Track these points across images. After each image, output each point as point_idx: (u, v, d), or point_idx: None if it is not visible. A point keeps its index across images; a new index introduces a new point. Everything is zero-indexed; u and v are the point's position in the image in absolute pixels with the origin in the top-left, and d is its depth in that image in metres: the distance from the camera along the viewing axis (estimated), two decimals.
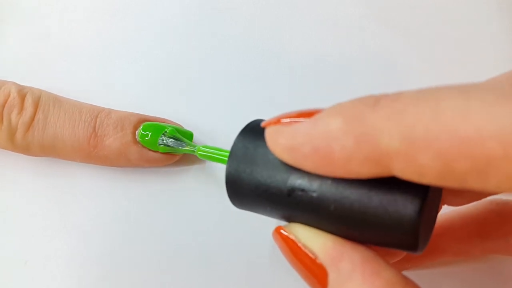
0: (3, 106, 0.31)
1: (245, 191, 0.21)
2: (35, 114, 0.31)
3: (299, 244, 0.20)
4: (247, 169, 0.21)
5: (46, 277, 0.32)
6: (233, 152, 0.22)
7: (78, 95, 0.34)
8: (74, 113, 0.32)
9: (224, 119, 0.35)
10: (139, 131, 0.32)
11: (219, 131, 0.34)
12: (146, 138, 0.31)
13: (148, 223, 0.32)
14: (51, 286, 0.31)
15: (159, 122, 0.32)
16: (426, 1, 0.38)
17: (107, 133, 0.31)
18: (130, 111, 0.33)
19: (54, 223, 0.32)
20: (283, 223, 0.22)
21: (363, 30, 0.37)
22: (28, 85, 0.33)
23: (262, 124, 0.20)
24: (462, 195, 0.23)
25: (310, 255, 0.20)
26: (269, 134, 0.20)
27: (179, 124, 0.33)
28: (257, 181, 0.21)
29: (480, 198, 0.24)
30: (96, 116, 0.32)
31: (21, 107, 0.31)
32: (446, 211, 0.27)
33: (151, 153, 0.32)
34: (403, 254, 0.25)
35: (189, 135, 0.33)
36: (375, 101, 0.17)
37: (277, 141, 0.19)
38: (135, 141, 0.32)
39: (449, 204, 0.24)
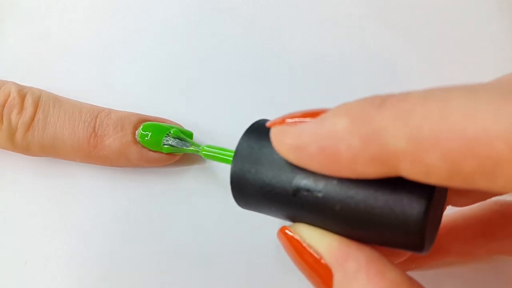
0: (3, 106, 0.31)
1: (250, 191, 0.21)
2: (35, 114, 0.31)
3: (304, 244, 0.20)
4: (252, 169, 0.21)
5: (46, 277, 0.31)
6: (238, 152, 0.22)
7: (78, 95, 0.34)
8: (74, 113, 0.32)
9: (224, 119, 0.35)
10: (139, 131, 0.32)
11: (219, 131, 0.34)
12: (146, 138, 0.31)
13: (148, 223, 0.32)
14: (51, 286, 0.31)
15: (159, 122, 0.32)
16: (426, 1, 0.38)
17: (107, 133, 0.31)
18: (130, 111, 0.33)
19: (54, 223, 0.32)
20: (287, 223, 0.22)
21: (363, 30, 0.37)
22: (28, 85, 0.33)
23: (267, 124, 0.20)
24: (467, 196, 0.23)
25: (315, 255, 0.20)
26: (274, 134, 0.20)
27: (179, 124, 0.33)
28: (262, 181, 0.21)
29: (485, 199, 0.24)
30: (96, 116, 0.32)
31: (21, 107, 0.31)
32: (450, 212, 0.27)
33: (151, 153, 0.32)
34: (407, 254, 0.25)
35: (189, 135, 0.33)
36: (381, 101, 0.17)
37: (282, 141, 0.19)
38: (135, 141, 0.32)
39: (454, 204, 0.24)
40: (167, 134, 0.31)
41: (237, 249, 0.32)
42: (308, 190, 0.20)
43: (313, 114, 0.19)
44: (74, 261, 0.32)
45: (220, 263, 0.31)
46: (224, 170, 0.33)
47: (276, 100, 0.35)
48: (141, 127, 0.32)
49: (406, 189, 0.18)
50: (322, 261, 0.20)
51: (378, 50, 0.37)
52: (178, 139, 0.31)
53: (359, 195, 0.19)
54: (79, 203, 0.33)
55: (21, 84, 0.32)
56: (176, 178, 0.33)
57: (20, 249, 0.32)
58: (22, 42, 0.37)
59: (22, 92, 0.32)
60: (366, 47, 0.37)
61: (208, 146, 0.29)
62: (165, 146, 0.31)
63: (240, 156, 0.21)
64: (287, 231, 0.21)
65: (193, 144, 0.31)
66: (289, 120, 0.19)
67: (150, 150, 0.32)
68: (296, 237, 0.21)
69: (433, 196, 0.18)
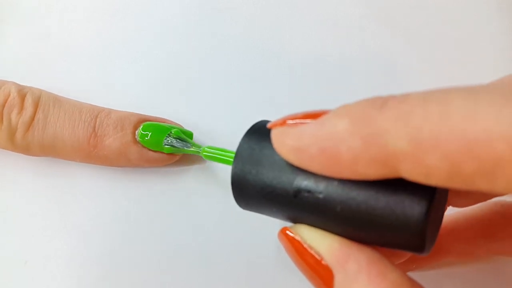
0: (3, 106, 0.31)
1: (250, 192, 0.21)
2: (35, 114, 0.31)
3: (305, 245, 0.20)
4: (253, 170, 0.21)
5: (46, 277, 0.32)
6: (238, 153, 0.22)
7: (78, 95, 0.34)
8: (74, 113, 0.32)
9: (224, 119, 0.35)
10: (139, 131, 0.32)
11: (219, 131, 0.34)
12: (146, 138, 0.31)
13: (148, 223, 0.32)
14: (51, 286, 0.31)
15: (159, 122, 0.32)
16: (426, 1, 0.38)
17: (107, 133, 0.31)
18: (130, 111, 0.33)
19: (54, 223, 0.32)
20: (288, 224, 0.22)
21: (363, 30, 0.37)
22: (28, 85, 0.33)
23: (268, 126, 0.20)
24: (467, 196, 0.23)
25: (316, 256, 0.20)
26: (275, 135, 0.20)
27: (179, 124, 0.33)
28: (263, 183, 0.21)
29: (485, 199, 0.24)
30: (96, 116, 0.32)
31: (21, 107, 0.31)
32: (451, 212, 0.27)
33: (151, 153, 0.32)
34: (408, 255, 0.25)
35: (189, 135, 0.33)
36: (382, 102, 0.17)
37: (283, 142, 0.19)
38: (135, 141, 0.32)
39: (454, 205, 0.24)
40: (169, 134, 0.31)
41: (237, 249, 0.32)
42: (309, 191, 0.20)
43: (314, 115, 0.19)
44: (74, 261, 0.32)
45: (220, 264, 0.31)
46: (224, 170, 0.33)
47: (276, 100, 0.35)
48: (141, 127, 0.32)
49: (407, 190, 0.18)
50: (323, 262, 0.20)
51: (378, 50, 0.37)
52: (180, 139, 0.31)
53: (360, 196, 0.19)
54: (79, 203, 0.33)
55: (21, 84, 0.32)
56: (176, 178, 0.33)
57: (20, 249, 0.32)
58: (22, 42, 0.37)
59: (22, 92, 0.32)
60: (366, 47, 0.37)
61: (209, 147, 0.29)
62: (167, 146, 0.31)
63: (241, 157, 0.21)
64: (288, 232, 0.21)
65: (194, 145, 0.31)
66: (290, 122, 0.19)
67: (150, 150, 0.32)
68: (297, 238, 0.21)
69: (434, 197, 0.18)
